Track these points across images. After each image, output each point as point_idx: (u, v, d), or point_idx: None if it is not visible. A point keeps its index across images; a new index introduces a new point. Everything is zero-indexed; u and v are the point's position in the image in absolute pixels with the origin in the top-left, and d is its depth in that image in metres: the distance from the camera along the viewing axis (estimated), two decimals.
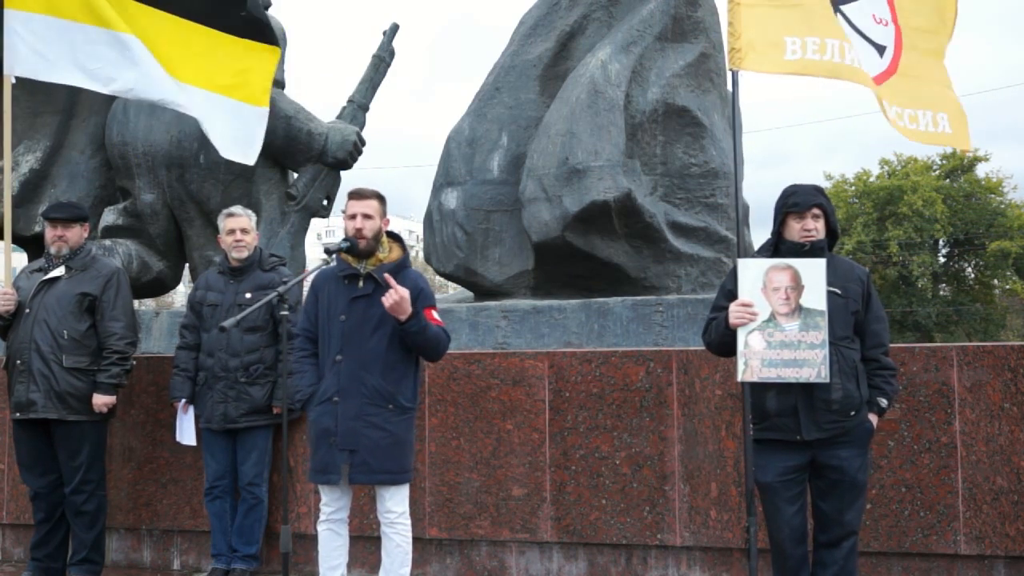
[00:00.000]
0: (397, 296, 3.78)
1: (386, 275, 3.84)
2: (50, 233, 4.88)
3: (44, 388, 4.66)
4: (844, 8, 4.32)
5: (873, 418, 3.68)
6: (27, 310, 4.76)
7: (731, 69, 4.10)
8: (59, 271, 4.83)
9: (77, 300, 4.76)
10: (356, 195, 4.01)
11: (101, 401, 4.72)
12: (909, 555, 4.46)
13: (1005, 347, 4.51)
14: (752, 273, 3.63)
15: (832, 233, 3.77)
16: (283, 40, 6.58)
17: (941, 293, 36.56)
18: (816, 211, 3.68)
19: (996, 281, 35.95)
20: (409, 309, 3.82)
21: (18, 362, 4.73)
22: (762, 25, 4.06)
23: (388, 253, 4.04)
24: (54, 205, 5.16)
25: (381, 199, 4.04)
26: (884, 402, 3.67)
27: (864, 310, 3.68)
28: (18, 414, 4.73)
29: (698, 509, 4.65)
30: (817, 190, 3.77)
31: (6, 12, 5.01)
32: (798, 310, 3.55)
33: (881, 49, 4.38)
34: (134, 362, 5.11)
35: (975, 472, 4.39)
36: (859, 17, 4.34)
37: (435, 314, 4.01)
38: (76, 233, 4.89)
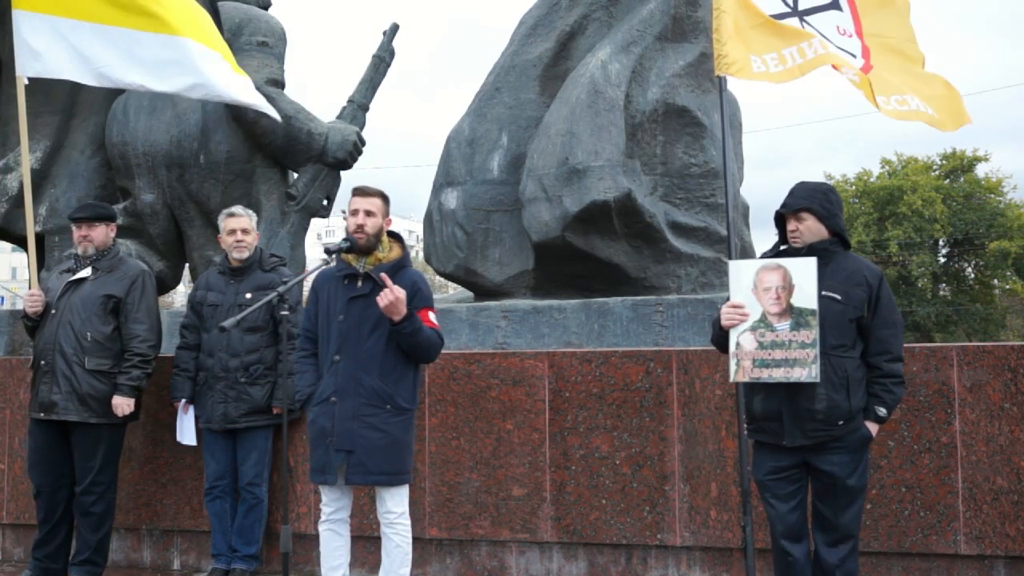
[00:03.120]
0: (392, 296, 3.77)
1: (382, 275, 3.83)
2: (76, 234, 4.89)
3: (66, 389, 4.65)
4: (809, 19, 4.52)
5: (871, 426, 3.61)
6: (53, 311, 4.76)
7: (717, 75, 4.18)
8: (86, 272, 4.82)
9: (102, 302, 4.75)
10: (360, 192, 4.02)
11: (119, 403, 4.70)
12: (909, 555, 4.46)
13: (1005, 347, 4.51)
14: (743, 274, 3.64)
15: (836, 234, 3.74)
16: (283, 40, 6.58)
17: (941, 293, 36.56)
18: (802, 214, 3.68)
19: (996, 281, 35.94)
20: (404, 310, 3.81)
21: (42, 362, 4.73)
22: (736, 38, 4.22)
23: (388, 252, 4.04)
24: (79, 206, 5.17)
25: (385, 198, 4.04)
26: (882, 411, 3.59)
27: (871, 314, 3.60)
28: (41, 414, 4.72)
29: (698, 509, 4.65)
30: (815, 191, 3.74)
31: (15, 13, 5.02)
32: (789, 310, 3.54)
33: (850, 55, 4.55)
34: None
35: (975, 472, 4.39)
36: (824, 26, 4.54)
37: (431, 316, 4.00)
38: (101, 232, 4.88)
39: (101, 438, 4.74)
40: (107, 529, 4.85)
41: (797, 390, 3.54)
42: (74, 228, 4.91)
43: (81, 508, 4.77)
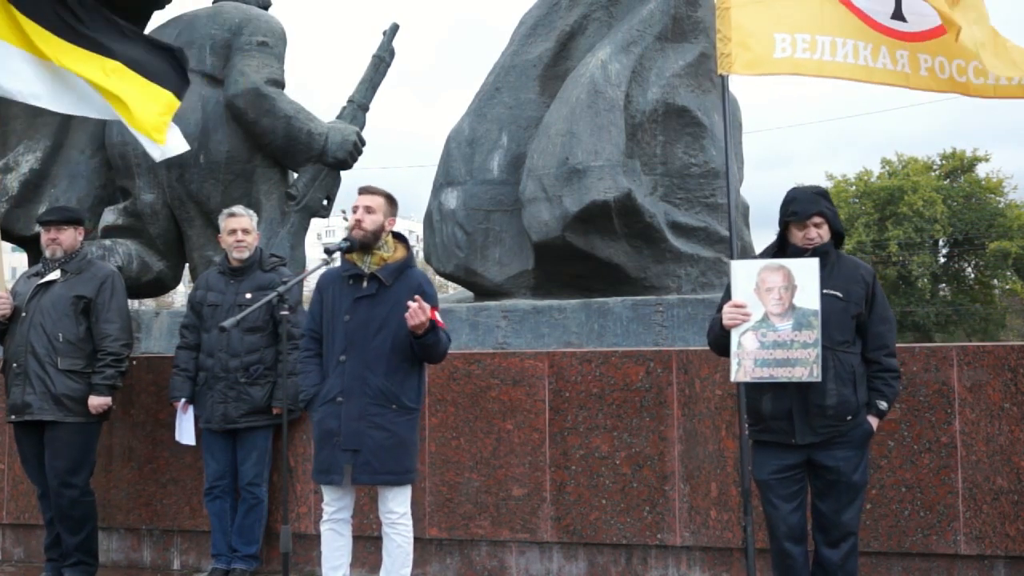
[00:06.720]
0: (423, 317, 3.76)
1: (417, 297, 3.80)
2: (44, 237, 4.89)
3: (40, 390, 4.66)
4: None
5: (873, 420, 3.66)
6: (23, 313, 4.77)
7: (720, 74, 4.12)
8: (55, 274, 4.83)
9: (72, 303, 4.75)
10: (363, 190, 4.04)
11: (96, 403, 4.71)
12: (909, 555, 4.46)
13: (1005, 347, 4.51)
14: (745, 274, 3.65)
15: (837, 235, 3.76)
16: (283, 40, 6.58)
17: (941, 293, 36.57)
18: (816, 219, 3.67)
19: (996, 281, 35.96)
20: (427, 325, 3.82)
21: (14, 365, 4.74)
22: (751, 25, 4.07)
23: (393, 253, 4.03)
24: (48, 209, 5.18)
25: (389, 198, 4.04)
26: (883, 405, 3.66)
27: (868, 311, 3.66)
28: (13, 416, 4.73)
29: (698, 509, 4.65)
30: (818, 195, 3.74)
31: None
32: (791, 310, 3.56)
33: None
34: (134, 362, 5.12)
35: (975, 472, 4.39)
36: None
37: (437, 315, 4.00)
38: (70, 236, 4.89)
39: (72, 439, 4.70)
40: (89, 531, 4.79)
41: (807, 387, 3.56)
42: (42, 232, 4.91)
43: (58, 511, 4.72)
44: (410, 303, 3.78)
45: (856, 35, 4.15)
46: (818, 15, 4.12)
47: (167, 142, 5.16)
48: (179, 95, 5.23)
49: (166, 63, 5.20)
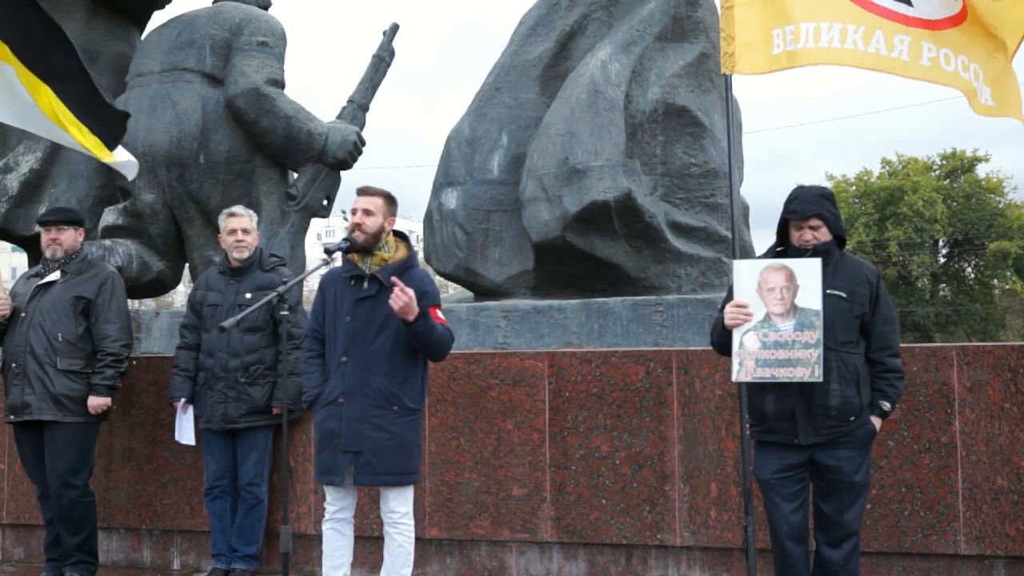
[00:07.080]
0: (405, 298, 3.74)
1: (393, 277, 3.80)
2: (44, 237, 4.90)
3: (39, 390, 4.66)
4: None
5: (876, 420, 3.66)
6: (23, 314, 4.77)
7: (724, 73, 4.08)
8: (55, 275, 4.84)
9: (72, 303, 4.76)
10: (362, 191, 4.01)
11: (96, 403, 4.72)
12: (909, 555, 4.46)
13: (1005, 347, 4.51)
14: (747, 274, 3.64)
15: (838, 238, 3.73)
16: (283, 40, 6.59)
17: (941, 293, 36.57)
18: (814, 221, 3.65)
19: (996, 281, 35.96)
20: (416, 310, 3.78)
21: (13, 365, 4.74)
22: (754, 23, 4.00)
23: (394, 253, 4.02)
24: (48, 210, 5.16)
25: (388, 198, 4.01)
26: (887, 405, 3.65)
27: (871, 311, 3.65)
28: (12, 416, 4.73)
29: (698, 509, 4.65)
30: (821, 197, 3.71)
31: None
32: (793, 310, 3.55)
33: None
34: (134, 362, 5.12)
35: (975, 472, 4.38)
36: None
37: (439, 313, 3.99)
38: (70, 236, 4.89)
39: (71, 438, 4.70)
40: (89, 531, 4.79)
41: (811, 388, 3.55)
42: (42, 232, 4.91)
43: (58, 511, 4.73)
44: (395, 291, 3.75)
45: (845, 18, 3.99)
46: (807, 2, 3.99)
47: (116, 159, 5.04)
48: (109, 145, 5.01)
49: (103, 115, 4.98)
